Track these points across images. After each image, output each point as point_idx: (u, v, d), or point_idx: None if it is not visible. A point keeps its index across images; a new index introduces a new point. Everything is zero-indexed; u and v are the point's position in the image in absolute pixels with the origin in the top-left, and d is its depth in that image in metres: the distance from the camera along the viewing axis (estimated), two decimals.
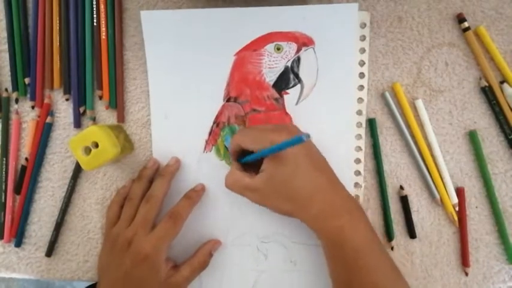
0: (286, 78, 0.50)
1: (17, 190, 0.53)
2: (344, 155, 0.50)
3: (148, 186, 0.49)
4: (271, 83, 0.50)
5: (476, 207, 0.50)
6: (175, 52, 0.50)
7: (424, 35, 0.50)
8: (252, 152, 0.44)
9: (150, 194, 0.47)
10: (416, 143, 0.50)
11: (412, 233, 0.50)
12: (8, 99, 0.53)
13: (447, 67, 0.50)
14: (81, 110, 0.52)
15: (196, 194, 0.49)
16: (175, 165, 0.50)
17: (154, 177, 0.50)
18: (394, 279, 0.42)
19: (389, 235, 0.50)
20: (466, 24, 0.49)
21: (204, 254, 0.49)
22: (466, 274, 0.50)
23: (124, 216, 0.47)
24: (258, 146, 0.43)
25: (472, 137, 0.50)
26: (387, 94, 0.50)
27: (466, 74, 0.50)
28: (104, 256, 0.47)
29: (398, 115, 0.50)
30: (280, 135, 0.42)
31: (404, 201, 0.50)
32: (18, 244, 0.53)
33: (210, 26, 0.49)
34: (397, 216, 0.51)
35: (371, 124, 0.50)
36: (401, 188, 0.50)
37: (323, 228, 0.43)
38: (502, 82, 0.49)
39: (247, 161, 0.45)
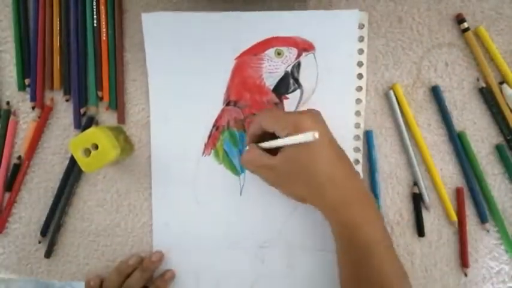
0: (286, 83, 0.50)
1: (8, 187, 0.53)
2: None
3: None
4: (271, 87, 0.50)
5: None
6: (176, 55, 0.50)
7: (424, 35, 0.50)
8: (271, 136, 0.44)
9: (126, 286, 0.49)
10: (415, 143, 0.50)
11: (420, 231, 0.50)
12: (9, 111, 0.53)
13: (447, 67, 0.50)
14: (82, 111, 0.52)
15: (152, 265, 0.50)
16: (158, 263, 0.51)
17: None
18: (401, 281, 0.42)
19: None
20: (465, 24, 0.49)
21: None
22: (466, 275, 0.50)
23: None
24: (280, 128, 0.42)
25: (461, 138, 0.50)
26: (391, 93, 0.50)
27: (465, 74, 0.50)
28: None
29: (399, 115, 0.50)
30: (302, 116, 0.42)
31: (415, 198, 0.50)
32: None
33: (211, 29, 0.49)
34: (397, 216, 0.51)
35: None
36: (415, 184, 0.50)
37: (336, 216, 0.42)
38: (501, 83, 0.49)
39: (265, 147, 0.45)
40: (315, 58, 0.49)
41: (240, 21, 0.49)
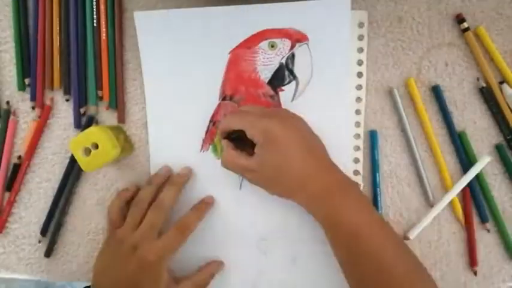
0: (281, 75, 0.50)
1: (8, 187, 0.53)
2: (342, 152, 0.49)
3: (157, 193, 0.48)
4: (266, 80, 0.50)
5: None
6: (170, 52, 0.50)
7: (424, 35, 0.50)
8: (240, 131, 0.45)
9: (159, 201, 0.47)
10: (425, 140, 0.50)
11: None
12: (8, 111, 0.53)
13: (447, 67, 0.50)
14: (82, 110, 0.52)
15: (206, 206, 0.49)
16: (187, 176, 0.50)
17: (164, 184, 0.49)
18: (396, 250, 0.42)
19: None
20: (465, 24, 0.49)
21: (206, 275, 0.49)
22: (475, 273, 0.50)
23: (130, 220, 0.46)
24: (248, 130, 0.43)
25: (461, 138, 0.50)
26: (395, 91, 0.50)
27: (465, 74, 0.50)
28: (104, 257, 0.47)
29: (403, 114, 0.50)
30: (271, 120, 0.43)
31: None
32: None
33: (203, 25, 0.49)
34: (397, 215, 0.51)
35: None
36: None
37: (318, 209, 0.43)
38: (501, 82, 0.49)
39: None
40: (308, 48, 0.49)
41: (232, 15, 0.49)
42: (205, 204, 0.50)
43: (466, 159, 0.50)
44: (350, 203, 0.42)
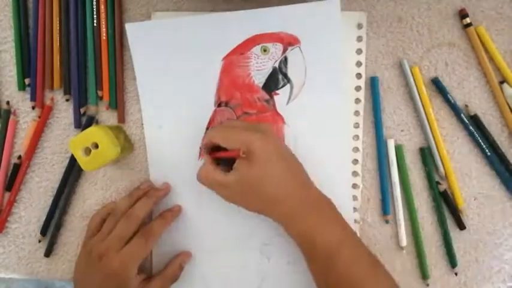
0: (275, 79, 0.50)
1: (8, 187, 0.53)
2: (340, 154, 0.50)
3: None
4: (261, 85, 0.50)
5: (477, 207, 0.50)
6: (163, 62, 0.50)
7: (424, 35, 0.50)
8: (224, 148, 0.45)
9: (130, 212, 0.47)
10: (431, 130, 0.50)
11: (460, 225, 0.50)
12: (9, 111, 0.53)
13: (447, 67, 0.50)
14: (82, 110, 0.52)
15: (171, 215, 0.50)
16: (165, 191, 0.50)
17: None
18: (371, 271, 0.42)
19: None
20: (467, 20, 0.49)
21: (174, 267, 0.49)
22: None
23: (103, 230, 0.47)
24: (229, 144, 0.43)
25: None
26: (405, 62, 0.50)
27: (466, 74, 0.50)
28: (79, 265, 0.48)
29: (417, 94, 0.50)
30: (252, 134, 0.43)
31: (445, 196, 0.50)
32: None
33: (195, 33, 0.50)
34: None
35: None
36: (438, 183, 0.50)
37: (293, 227, 0.44)
38: (501, 82, 0.49)
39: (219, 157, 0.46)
40: (301, 51, 0.49)
41: (224, 22, 0.49)
42: (172, 213, 0.50)
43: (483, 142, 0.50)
44: (325, 221, 0.43)
